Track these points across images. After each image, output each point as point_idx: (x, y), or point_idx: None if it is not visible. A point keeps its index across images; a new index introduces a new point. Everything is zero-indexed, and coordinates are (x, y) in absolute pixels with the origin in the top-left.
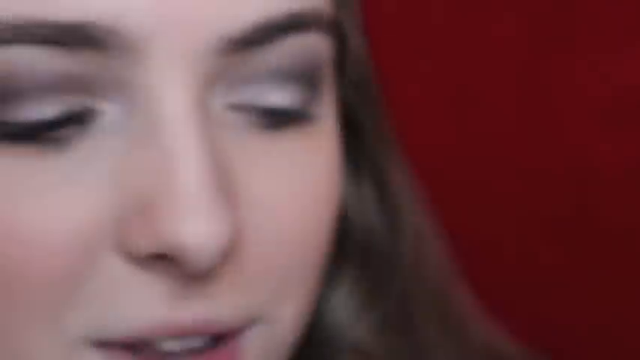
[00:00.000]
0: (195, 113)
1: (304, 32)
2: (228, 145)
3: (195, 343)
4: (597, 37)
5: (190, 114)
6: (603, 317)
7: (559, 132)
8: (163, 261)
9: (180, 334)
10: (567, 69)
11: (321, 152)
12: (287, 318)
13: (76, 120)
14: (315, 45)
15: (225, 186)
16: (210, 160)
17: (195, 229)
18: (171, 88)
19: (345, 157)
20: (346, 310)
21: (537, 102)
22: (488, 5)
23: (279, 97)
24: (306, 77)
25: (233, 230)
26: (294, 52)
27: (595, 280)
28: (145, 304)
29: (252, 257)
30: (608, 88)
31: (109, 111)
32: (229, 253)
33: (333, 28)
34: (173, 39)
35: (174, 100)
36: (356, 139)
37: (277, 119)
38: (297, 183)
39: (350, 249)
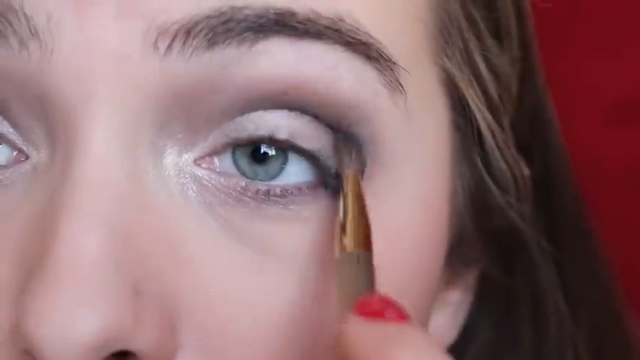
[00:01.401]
0: (110, 172)
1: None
2: (179, 212)
3: None
4: (597, 37)
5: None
6: None
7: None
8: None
9: None
10: (567, 69)
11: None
12: None
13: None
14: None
15: (125, 269)
16: (107, 236)
17: (51, 328)
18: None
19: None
20: None
21: None
22: None
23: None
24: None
25: (113, 326)
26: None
27: None
28: None
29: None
30: (608, 88)
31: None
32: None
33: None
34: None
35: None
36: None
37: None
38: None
39: None
